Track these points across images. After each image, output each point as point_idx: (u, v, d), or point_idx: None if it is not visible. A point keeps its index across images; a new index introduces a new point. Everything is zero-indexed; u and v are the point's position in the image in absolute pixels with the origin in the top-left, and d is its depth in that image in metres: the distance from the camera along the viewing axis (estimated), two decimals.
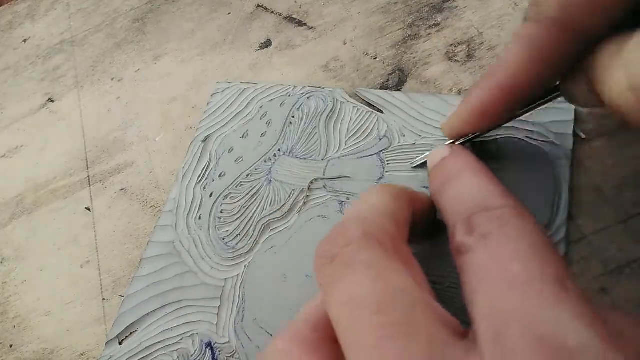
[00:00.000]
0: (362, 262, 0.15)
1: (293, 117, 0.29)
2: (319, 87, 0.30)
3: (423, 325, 0.14)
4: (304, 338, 0.16)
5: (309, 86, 0.31)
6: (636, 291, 0.20)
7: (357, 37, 0.33)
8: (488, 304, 0.14)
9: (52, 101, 0.39)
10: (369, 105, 0.28)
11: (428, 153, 0.24)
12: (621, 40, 0.16)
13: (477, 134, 0.22)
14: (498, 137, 0.25)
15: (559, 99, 0.20)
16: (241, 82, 0.33)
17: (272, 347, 0.16)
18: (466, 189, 0.18)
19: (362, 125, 0.28)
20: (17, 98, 0.41)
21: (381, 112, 0.28)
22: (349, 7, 0.35)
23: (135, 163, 0.33)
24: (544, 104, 0.21)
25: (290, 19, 0.36)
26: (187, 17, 0.40)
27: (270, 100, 0.31)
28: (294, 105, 0.30)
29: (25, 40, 0.45)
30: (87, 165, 0.35)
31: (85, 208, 0.33)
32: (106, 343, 0.26)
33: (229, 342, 0.24)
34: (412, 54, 0.31)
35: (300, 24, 0.35)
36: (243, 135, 0.30)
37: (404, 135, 0.27)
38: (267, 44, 0.35)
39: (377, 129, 0.27)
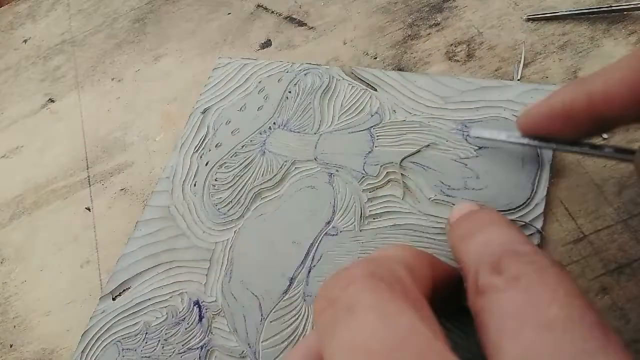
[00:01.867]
0: (366, 304, 0.14)
1: (289, 92, 0.30)
2: (316, 65, 0.31)
3: None
4: None
5: (306, 63, 0.31)
6: (636, 291, 0.20)
7: (357, 37, 0.33)
8: (517, 346, 0.13)
9: (52, 101, 0.39)
10: (364, 82, 0.29)
11: (495, 132, 0.23)
12: None
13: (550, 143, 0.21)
14: (477, 118, 0.25)
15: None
16: (242, 58, 0.34)
17: None
18: (495, 235, 0.17)
19: (355, 101, 0.29)
20: (17, 98, 0.41)
21: (375, 89, 0.29)
22: (349, 7, 0.35)
23: (135, 163, 0.33)
24: (612, 158, 0.20)
25: (290, 19, 0.36)
26: (187, 17, 0.40)
27: (268, 76, 0.32)
28: (291, 81, 0.31)
29: (25, 41, 0.45)
30: (87, 165, 0.35)
31: (85, 208, 0.33)
32: (100, 298, 0.28)
33: (215, 301, 0.25)
34: (412, 53, 0.31)
35: (300, 24, 0.35)
36: (241, 109, 0.31)
37: (395, 112, 0.27)
38: (267, 44, 0.35)
39: (370, 105, 0.28)
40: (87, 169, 0.35)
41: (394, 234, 0.24)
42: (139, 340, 0.26)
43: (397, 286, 0.15)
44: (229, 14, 0.38)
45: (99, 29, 0.42)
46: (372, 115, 0.28)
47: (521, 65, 0.28)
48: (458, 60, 0.30)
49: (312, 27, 0.35)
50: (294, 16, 0.36)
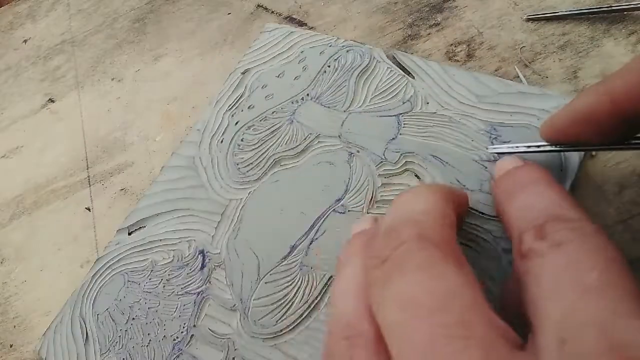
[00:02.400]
0: (417, 264, 0.15)
1: (329, 66, 0.31)
2: (361, 43, 0.31)
3: (480, 329, 0.13)
4: (364, 336, 0.16)
5: (352, 40, 0.31)
6: None
7: (357, 37, 0.33)
8: (556, 308, 0.13)
9: (53, 101, 0.39)
10: (403, 68, 0.29)
11: (512, 145, 0.23)
12: None
13: (571, 146, 0.21)
14: (508, 123, 0.25)
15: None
16: (290, 25, 0.35)
17: (334, 345, 0.16)
18: (539, 198, 0.17)
19: (390, 86, 0.29)
20: (17, 98, 0.41)
21: (412, 77, 0.28)
22: (349, 7, 0.35)
23: (135, 163, 0.33)
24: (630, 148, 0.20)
25: (290, 19, 0.36)
26: (187, 17, 0.40)
27: (311, 47, 0.32)
28: (332, 56, 0.31)
29: (25, 41, 0.45)
30: (87, 165, 0.35)
31: (85, 208, 0.33)
32: (117, 230, 0.29)
33: (219, 253, 0.27)
34: (412, 53, 0.31)
35: (301, 24, 0.35)
36: (279, 75, 0.32)
37: (428, 103, 0.27)
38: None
39: (404, 92, 0.28)
40: (87, 169, 0.35)
41: None
42: (144, 276, 0.27)
43: (444, 246, 0.16)
44: (229, 14, 0.38)
45: (99, 29, 0.42)
46: (403, 103, 0.28)
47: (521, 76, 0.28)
48: (458, 60, 0.30)
49: (312, 27, 0.35)
50: (294, 16, 0.36)
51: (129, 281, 0.27)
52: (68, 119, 0.38)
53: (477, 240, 0.22)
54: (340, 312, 0.17)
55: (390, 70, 0.29)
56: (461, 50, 0.30)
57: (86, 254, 0.31)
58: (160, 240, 0.28)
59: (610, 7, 0.27)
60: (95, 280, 0.28)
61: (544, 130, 0.21)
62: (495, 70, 0.28)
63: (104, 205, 0.32)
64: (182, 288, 0.26)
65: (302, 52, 0.32)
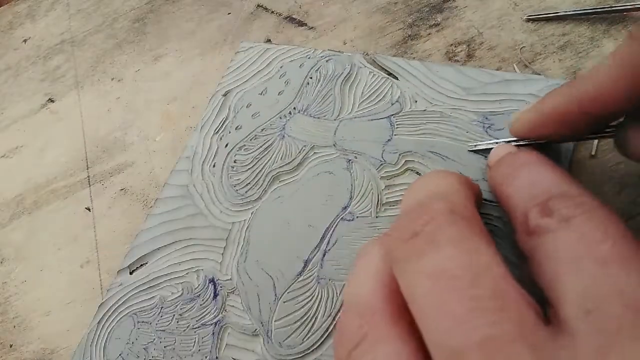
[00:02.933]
0: (449, 238, 0.15)
1: (311, 78, 0.31)
2: (338, 52, 0.31)
3: (513, 302, 0.13)
4: (379, 313, 0.16)
5: (328, 50, 0.31)
6: None
7: (357, 37, 0.33)
8: (578, 281, 0.13)
9: (52, 101, 0.39)
10: (385, 71, 0.29)
11: (493, 141, 0.24)
12: None
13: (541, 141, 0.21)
14: (499, 111, 0.25)
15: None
16: (265, 42, 0.34)
17: (345, 324, 0.16)
18: (541, 176, 0.17)
19: (376, 89, 0.29)
20: (17, 98, 0.41)
21: (396, 78, 0.29)
22: (349, 7, 0.35)
23: (135, 163, 0.33)
24: (603, 137, 0.20)
25: (290, 19, 0.36)
26: (187, 17, 0.40)
27: (290, 61, 0.32)
28: (312, 67, 0.31)
29: (25, 41, 0.45)
30: (87, 165, 0.35)
31: (85, 208, 0.33)
32: (118, 272, 0.28)
33: (230, 279, 0.26)
34: (412, 53, 0.31)
35: (301, 24, 0.35)
36: (262, 93, 0.31)
37: (416, 102, 0.27)
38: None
39: (391, 94, 0.28)
40: (87, 169, 0.35)
41: None
42: (154, 314, 0.26)
43: (474, 222, 0.16)
44: (229, 14, 0.38)
45: (98, 28, 0.42)
46: (392, 104, 0.28)
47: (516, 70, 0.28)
48: (458, 61, 0.30)
49: (312, 27, 0.35)
50: (294, 16, 0.36)
51: (139, 322, 0.26)
52: (68, 119, 0.38)
53: (490, 227, 0.22)
54: (353, 296, 0.17)
55: (373, 75, 0.29)
56: (461, 51, 0.30)
57: (86, 254, 0.31)
58: (166, 274, 0.27)
59: (610, 7, 0.27)
60: (102, 327, 0.27)
61: (514, 129, 0.21)
62: (495, 71, 0.28)
63: (104, 205, 0.32)
64: (197, 320, 0.25)
65: (281, 67, 0.32)
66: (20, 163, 0.37)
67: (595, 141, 0.24)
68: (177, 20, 0.40)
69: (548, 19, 0.29)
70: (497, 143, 0.23)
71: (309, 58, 0.31)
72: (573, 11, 0.28)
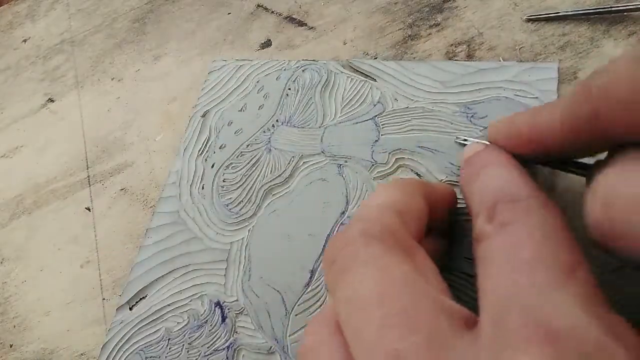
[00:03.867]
0: (361, 261, 0.15)
1: (289, 89, 0.31)
2: (313, 60, 0.31)
3: (423, 315, 0.13)
4: (329, 321, 0.16)
5: (302, 60, 0.32)
6: (636, 291, 0.20)
7: (357, 37, 0.33)
8: (492, 290, 0.14)
9: (52, 101, 0.39)
10: (362, 74, 0.30)
11: (473, 139, 0.23)
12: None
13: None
14: (479, 99, 0.26)
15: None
16: (236, 59, 0.34)
17: (306, 329, 0.17)
18: (493, 179, 0.17)
19: (356, 93, 0.29)
20: (17, 98, 0.41)
21: (374, 80, 0.29)
22: (349, 7, 0.35)
23: (135, 163, 0.33)
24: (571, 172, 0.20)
25: (290, 19, 0.36)
26: (187, 17, 0.40)
27: (266, 75, 0.32)
28: (289, 79, 0.31)
29: (25, 40, 0.45)
30: (87, 165, 0.35)
31: (85, 208, 0.33)
32: (117, 309, 0.27)
33: (237, 300, 0.25)
34: (412, 54, 0.31)
35: (301, 24, 0.35)
36: (241, 109, 0.31)
37: (397, 100, 0.28)
38: (267, 44, 0.35)
39: (371, 95, 0.28)
40: (87, 169, 0.35)
41: None
42: (162, 347, 0.25)
43: (389, 240, 0.16)
44: (229, 14, 0.38)
45: (98, 28, 0.42)
46: (374, 105, 0.28)
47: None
48: (458, 61, 0.30)
49: (312, 27, 0.35)
50: (294, 16, 0.36)
51: (147, 357, 0.26)
52: (68, 119, 0.38)
53: None
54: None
55: (351, 79, 0.30)
56: (461, 51, 0.30)
57: (86, 254, 0.31)
58: (168, 305, 0.26)
59: (610, 7, 0.27)
60: None
61: (490, 131, 0.21)
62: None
63: (104, 205, 0.32)
64: (208, 347, 0.25)
65: (257, 81, 0.32)
66: (20, 163, 0.37)
67: None
68: (177, 20, 0.40)
69: (548, 19, 0.29)
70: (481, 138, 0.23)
71: (284, 70, 0.32)
72: (573, 11, 0.28)
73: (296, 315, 0.24)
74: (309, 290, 0.24)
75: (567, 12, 0.28)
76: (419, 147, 0.26)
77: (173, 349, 0.25)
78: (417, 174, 0.25)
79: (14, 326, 0.30)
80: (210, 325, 0.25)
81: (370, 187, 0.26)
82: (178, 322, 0.26)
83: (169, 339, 0.25)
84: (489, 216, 0.16)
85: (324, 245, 0.25)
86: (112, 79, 0.39)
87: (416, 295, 0.14)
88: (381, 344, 0.13)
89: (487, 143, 0.21)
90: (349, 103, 0.29)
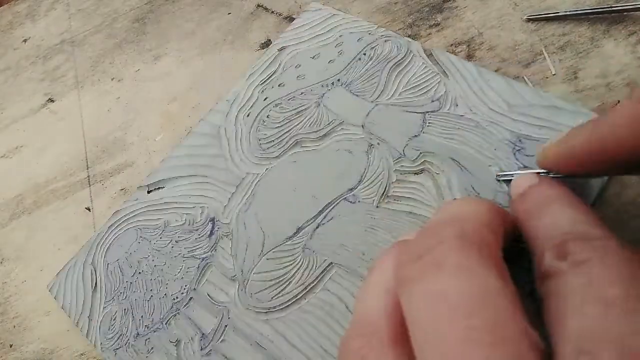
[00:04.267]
0: (455, 263, 0.15)
1: (364, 54, 0.31)
2: (398, 35, 0.31)
3: (511, 338, 0.13)
4: (378, 329, 0.16)
5: (391, 30, 0.31)
6: None
7: None
8: (577, 323, 0.13)
9: (52, 101, 0.39)
10: (439, 66, 0.29)
11: (519, 173, 0.22)
12: None
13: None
14: (535, 137, 0.24)
15: None
16: (333, 7, 0.34)
17: (347, 344, 0.16)
18: (561, 216, 0.17)
19: (422, 82, 0.28)
20: (17, 98, 0.41)
21: (446, 76, 0.28)
22: (349, 7, 0.35)
23: (135, 163, 0.33)
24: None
25: (290, 19, 0.36)
26: (187, 17, 0.40)
27: (350, 33, 0.32)
28: (369, 44, 0.31)
29: (25, 40, 0.45)
30: (87, 165, 0.35)
31: (85, 208, 0.33)
32: (137, 187, 0.31)
33: (228, 223, 0.27)
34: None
35: None
36: (314, 57, 0.32)
37: (457, 105, 0.27)
38: (267, 44, 0.35)
39: (435, 90, 0.28)
40: (87, 169, 0.35)
41: (407, 221, 0.24)
42: (155, 234, 0.29)
43: (485, 250, 0.15)
44: (229, 14, 0.38)
45: (98, 28, 0.42)
46: (432, 101, 0.27)
47: (548, 59, 0.28)
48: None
49: None
50: (294, 16, 0.36)
51: (141, 237, 0.29)
52: (68, 119, 0.38)
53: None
54: (360, 311, 0.17)
55: (425, 66, 0.29)
56: (461, 51, 0.30)
57: None
58: (176, 202, 0.29)
59: (611, 7, 0.27)
60: (111, 231, 0.29)
61: (540, 161, 0.21)
62: (495, 71, 0.28)
63: (104, 205, 0.32)
64: (188, 251, 0.27)
65: (340, 36, 0.32)
66: (20, 163, 0.37)
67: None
68: (177, 20, 0.40)
69: (548, 19, 0.29)
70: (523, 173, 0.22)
71: (369, 34, 0.31)
72: (573, 11, 0.28)
73: (267, 259, 0.25)
74: (288, 243, 0.25)
75: (567, 12, 0.28)
76: (451, 158, 0.25)
77: (163, 239, 0.28)
78: (436, 182, 0.25)
79: (14, 326, 0.30)
80: (199, 234, 0.28)
81: (387, 177, 0.26)
82: (176, 220, 0.29)
83: (163, 230, 0.29)
84: (559, 253, 0.15)
85: (320, 211, 0.26)
86: (112, 79, 0.39)
87: (506, 314, 0.14)
88: (463, 356, 0.13)
89: (538, 173, 0.20)
90: (411, 89, 0.28)
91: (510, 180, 0.22)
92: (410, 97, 0.28)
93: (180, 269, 0.27)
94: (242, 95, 0.32)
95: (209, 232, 0.27)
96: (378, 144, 0.27)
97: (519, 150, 0.24)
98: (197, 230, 0.28)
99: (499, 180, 0.23)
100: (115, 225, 0.30)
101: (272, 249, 0.26)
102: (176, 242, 0.28)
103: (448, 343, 0.13)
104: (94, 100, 0.38)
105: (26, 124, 0.39)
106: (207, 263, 0.27)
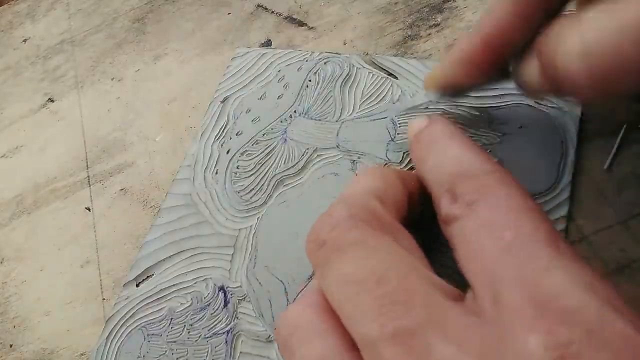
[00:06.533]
0: (351, 242, 0.16)
1: (310, 80, 0.30)
2: (336, 53, 0.31)
3: (418, 291, 0.14)
4: (319, 303, 0.16)
5: (326, 52, 0.31)
6: (636, 291, 0.20)
7: (357, 37, 0.33)
8: (483, 269, 0.14)
9: (52, 101, 0.39)
10: (385, 71, 0.29)
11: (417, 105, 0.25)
12: (577, 14, 0.16)
13: (460, 90, 0.22)
14: (500, 105, 0.25)
15: None
16: (260, 47, 0.34)
17: (289, 311, 0.17)
18: (445, 157, 0.18)
19: (376, 89, 0.29)
20: (17, 98, 0.41)
21: (396, 77, 0.29)
22: (349, 7, 0.35)
23: (135, 163, 0.33)
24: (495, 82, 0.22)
25: (290, 19, 0.36)
26: (187, 17, 0.40)
27: (287, 65, 0.32)
28: (310, 70, 0.31)
29: (25, 40, 0.45)
30: (87, 165, 0.35)
31: (85, 208, 0.33)
32: (124, 284, 0.28)
33: (240, 286, 0.25)
34: (412, 54, 0.31)
35: (301, 24, 0.35)
36: (260, 97, 0.31)
37: (417, 100, 0.27)
38: (267, 44, 0.35)
39: (391, 93, 0.28)
40: (87, 169, 0.35)
41: None
42: (164, 326, 0.26)
43: (373, 221, 0.17)
44: (229, 14, 0.38)
45: (98, 28, 0.42)
46: (393, 103, 0.28)
47: None
48: None
49: (312, 27, 0.35)
50: (294, 16, 0.36)
51: (149, 334, 0.26)
52: (68, 119, 0.38)
53: None
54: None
55: (373, 75, 0.29)
56: None
57: (86, 254, 0.31)
58: (174, 285, 0.27)
59: None
60: (111, 342, 0.26)
61: (426, 84, 0.22)
62: None
63: (104, 205, 0.32)
64: (208, 330, 0.25)
65: (279, 71, 0.32)
66: (20, 163, 0.37)
67: (610, 155, 0.24)
68: (177, 20, 0.40)
69: None
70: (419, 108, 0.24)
71: (306, 61, 0.31)
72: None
73: None
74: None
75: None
76: None
77: (175, 328, 0.26)
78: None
79: (14, 326, 0.30)
80: (213, 309, 0.25)
81: None
82: (182, 303, 0.26)
83: (171, 319, 0.26)
84: (451, 197, 0.16)
85: None
86: (112, 79, 0.39)
87: (410, 273, 0.15)
88: (383, 321, 0.14)
89: (428, 117, 0.21)
90: (368, 99, 0.28)
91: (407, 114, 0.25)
92: (371, 106, 0.28)
93: (208, 352, 0.24)
94: (202, 156, 0.30)
95: (222, 303, 0.25)
96: (359, 158, 0.27)
97: (491, 121, 0.25)
98: (208, 305, 0.26)
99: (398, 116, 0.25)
100: (114, 333, 0.27)
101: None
102: (191, 325, 0.25)
103: (366, 314, 0.14)
104: (94, 100, 0.38)
105: (26, 124, 0.39)
106: (235, 334, 0.24)
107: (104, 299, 0.29)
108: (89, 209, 0.33)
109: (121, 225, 0.31)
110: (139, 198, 0.32)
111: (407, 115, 0.27)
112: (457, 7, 0.32)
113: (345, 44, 0.33)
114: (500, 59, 0.20)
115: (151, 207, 0.31)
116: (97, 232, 0.31)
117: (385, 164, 0.26)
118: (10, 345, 0.29)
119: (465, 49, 0.20)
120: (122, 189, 0.33)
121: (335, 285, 0.16)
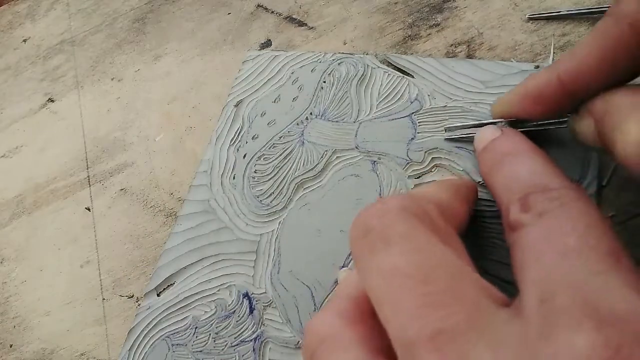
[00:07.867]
0: (401, 234, 0.15)
1: (324, 82, 0.30)
2: (349, 54, 0.31)
3: (464, 293, 0.14)
4: (345, 311, 0.16)
5: (339, 53, 0.31)
6: None
7: (357, 37, 0.33)
8: (538, 272, 0.14)
9: (52, 101, 0.39)
10: (400, 70, 0.29)
11: (468, 124, 0.24)
12: (637, 92, 0.16)
13: (524, 121, 0.22)
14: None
15: None
16: (272, 50, 0.34)
17: (315, 321, 0.17)
18: (522, 168, 0.18)
19: (393, 89, 0.28)
20: (17, 98, 0.41)
21: (412, 76, 0.28)
22: (349, 7, 0.35)
23: (135, 163, 0.34)
24: (551, 125, 0.21)
25: (290, 19, 0.36)
26: (187, 17, 0.40)
27: (301, 67, 0.31)
28: (324, 71, 0.31)
29: (25, 40, 0.45)
30: (87, 165, 0.35)
31: (85, 208, 0.33)
32: (145, 294, 0.27)
33: (265, 292, 0.25)
34: (412, 54, 0.31)
35: (300, 24, 0.35)
36: (275, 100, 0.31)
37: (435, 98, 0.27)
38: (267, 44, 0.35)
39: (408, 92, 0.28)
40: (87, 169, 0.35)
41: None
42: (188, 335, 0.26)
43: (426, 220, 0.16)
44: (229, 14, 0.38)
45: (98, 28, 0.42)
46: (411, 102, 0.27)
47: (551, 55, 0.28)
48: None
49: (312, 27, 0.35)
50: (294, 16, 0.36)
51: (173, 344, 0.26)
52: (68, 119, 0.38)
53: None
54: (336, 291, 0.18)
55: (388, 74, 0.29)
56: (461, 51, 0.30)
57: (86, 254, 0.31)
58: (196, 293, 0.26)
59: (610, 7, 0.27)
60: (134, 353, 0.26)
61: (494, 110, 0.22)
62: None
63: (104, 205, 0.32)
64: (235, 338, 0.25)
65: (292, 73, 0.31)
66: (20, 163, 0.37)
67: (609, 173, 0.23)
68: (177, 20, 0.40)
69: (548, 19, 0.29)
70: (469, 127, 0.24)
71: (320, 62, 0.31)
72: (573, 11, 0.28)
73: None
74: None
75: (567, 11, 0.28)
76: (456, 147, 0.25)
77: (200, 337, 0.25)
78: (454, 174, 0.25)
79: (14, 326, 0.30)
80: (238, 316, 0.25)
81: (404, 185, 0.25)
82: (205, 311, 0.26)
83: (196, 328, 0.26)
84: (523, 206, 0.16)
85: None
86: (112, 79, 0.39)
87: (458, 274, 0.14)
88: (423, 321, 0.13)
89: (500, 126, 0.21)
90: (385, 99, 0.28)
91: (459, 137, 0.24)
92: (389, 106, 0.28)
93: None
94: (218, 161, 0.30)
95: (248, 310, 0.25)
96: (379, 158, 0.26)
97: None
98: (233, 312, 0.25)
99: (447, 139, 0.25)
100: (137, 344, 0.26)
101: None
102: (216, 334, 0.25)
103: (407, 311, 0.14)
104: (94, 100, 0.38)
105: (26, 123, 0.39)
106: (262, 341, 0.24)
107: (104, 299, 0.29)
108: (89, 209, 0.33)
109: (121, 225, 0.31)
110: (139, 198, 0.32)
111: (426, 114, 0.27)
112: (457, 7, 0.32)
113: (345, 44, 0.33)
114: (573, 103, 0.19)
115: (151, 207, 0.31)
116: (97, 232, 0.31)
117: (407, 164, 0.26)
118: (10, 345, 0.29)
119: (536, 85, 0.19)
120: (122, 189, 0.33)
121: (377, 276, 0.15)
